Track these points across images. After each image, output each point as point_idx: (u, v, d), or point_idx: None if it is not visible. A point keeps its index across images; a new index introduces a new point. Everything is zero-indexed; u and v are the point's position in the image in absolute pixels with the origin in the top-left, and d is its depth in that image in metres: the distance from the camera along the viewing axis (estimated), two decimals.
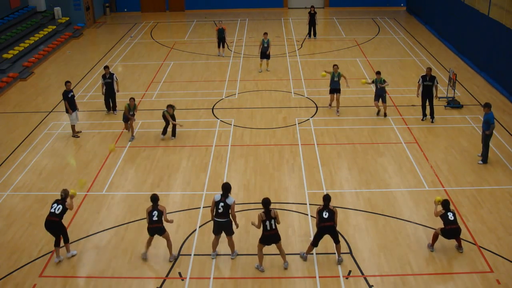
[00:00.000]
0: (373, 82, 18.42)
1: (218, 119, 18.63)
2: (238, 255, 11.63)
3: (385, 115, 18.40)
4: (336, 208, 11.15)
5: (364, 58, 25.14)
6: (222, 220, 11.09)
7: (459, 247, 11.65)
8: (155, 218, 11.20)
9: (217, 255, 11.61)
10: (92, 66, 25.10)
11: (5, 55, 24.53)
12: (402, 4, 36.52)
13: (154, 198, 11.31)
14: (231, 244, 11.48)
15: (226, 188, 11.07)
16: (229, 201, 11.01)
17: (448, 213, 11.28)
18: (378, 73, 18.26)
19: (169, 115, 16.91)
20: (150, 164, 15.65)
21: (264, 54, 23.11)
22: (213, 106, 19.73)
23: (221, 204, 11.00)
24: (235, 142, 16.90)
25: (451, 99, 19.40)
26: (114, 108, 19.21)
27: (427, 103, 17.82)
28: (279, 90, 21.32)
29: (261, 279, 10.96)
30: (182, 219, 12.95)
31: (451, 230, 11.24)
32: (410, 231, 12.34)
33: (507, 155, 15.77)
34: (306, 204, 13.47)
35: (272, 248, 11.76)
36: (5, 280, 11.07)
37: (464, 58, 24.57)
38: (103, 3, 36.33)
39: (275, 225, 10.84)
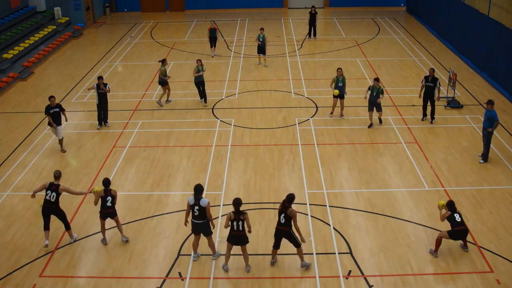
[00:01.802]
0: (368, 88, 17.29)
1: (218, 119, 18.63)
2: (221, 255, 11.57)
3: (380, 121, 17.74)
4: (295, 212, 10.71)
5: (364, 58, 25.14)
6: (199, 221, 11.06)
7: (464, 246, 11.64)
8: (109, 204, 11.70)
9: (201, 255, 11.61)
10: (92, 66, 25.10)
11: (5, 55, 24.53)
12: (402, 4, 36.52)
13: (107, 183, 11.72)
14: (211, 245, 11.43)
15: (198, 191, 10.93)
16: (203, 203, 10.90)
17: (455, 215, 11.24)
18: (376, 80, 17.11)
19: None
20: (150, 164, 15.65)
21: (259, 49, 23.78)
22: (213, 106, 19.73)
23: (196, 207, 10.93)
24: (235, 142, 16.90)
25: (451, 99, 19.40)
26: (105, 120, 18.20)
27: (428, 104, 17.79)
28: (279, 90, 21.33)
29: (261, 279, 10.96)
30: (182, 219, 12.91)
31: (459, 231, 11.20)
32: (410, 231, 12.35)
33: (507, 155, 15.78)
34: (306, 204, 13.47)
35: (271, 248, 11.78)
36: (5, 280, 11.07)
37: (464, 58, 24.57)
38: (103, 3, 36.33)
39: (243, 227, 10.77)
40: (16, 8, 29.53)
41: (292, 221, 10.73)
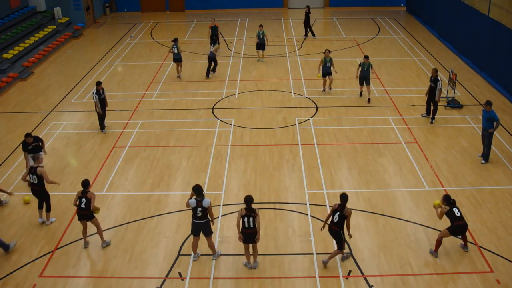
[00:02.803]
0: (359, 65, 19.52)
1: (218, 119, 18.63)
2: (221, 255, 11.65)
3: (369, 100, 19.65)
4: (351, 211, 10.88)
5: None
6: (201, 221, 11.06)
7: (465, 246, 11.63)
8: (82, 206, 11.56)
9: (201, 255, 11.63)
10: (92, 66, 25.10)
11: (5, 55, 24.52)
12: (402, 4, 36.51)
13: (85, 184, 11.63)
14: (211, 245, 11.43)
15: (198, 191, 10.92)
16: (205, 203, 10.93)
17: (454, 209, 11.15)
18: (366, 57, 19.57)
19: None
20: (150, 164, 15.65)
21: (259, 45, 24.45)
22: (213, 106, 19.73)
23: (199, 209, 10.93)
24: (235, 142, 16.90)
25: (451, 99, 19.40)
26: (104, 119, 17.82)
27: (432, 103, 17.90)
28: (279, 90, 21.33)
29: (261, 279, 10.96)
30: (182, 219, 12.95)
31: (459, 226, 11.16)
32: (410, 231, 12.35)
33: (507, 155, 15.78)
34: (306, 204, 13.47)
35: (271, 248, 11.79)
36: (5, 280, 11.07)
37: (464, 58, 24.57)
38: (103, 3, 36.33)
39: (254, 224, 10.76)
40: (16, 8, 29.55)
41: (346, 220, 10.83)
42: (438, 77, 17.70)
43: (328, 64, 20.07)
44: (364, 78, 19.53)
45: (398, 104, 19.54)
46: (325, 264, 11.16)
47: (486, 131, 15.02)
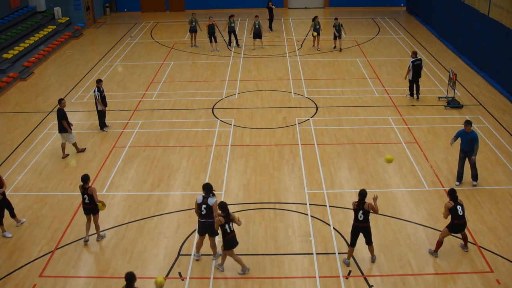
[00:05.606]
0: (333, 26, 25.62)
1: (218, 119, 18.63)
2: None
3: (340, 50, 25.76)
4: (372, 204, 10.91)
5: (364, 58, 25.14)
6: (207, 221, 11.06)
7: (465, 246, 11.63)
8: (86, 201, 11.87)
9: (202, 255, 11.60)
10: (92, 66, 25.10)
11: (5, 55, 24.52)
12: (402, 4, 36.50)
13: (84, 179, 11.79)
14: (213, 245, 11.43)
15: (206, 189, 11.02)
16: (210, 202, 10.97)
17: (458, 207, 11.09)
18: (336, 19, 25.67)
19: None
20: (150, 164, 15.65)
21: (257, 35, 26.51)
22: (213, 106, 19.73)
23: (204, 206, 10.98)
24: (235, 142, 16.90)
25: (451, 99, 19.41)
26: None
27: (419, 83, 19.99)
28: (279, 90, 21.33)
29: (261, 279, 10.96)
30: (182, 219, 12.95)
31: (459, 224, 11.17)
32: (410, 231, 12.35)
33: (507, 155, 15.77)
34: (306, 204, 13.47)
35: (271, 248, 11.79)
36: (5, 280, 11.07)
37: (464, 58, 24.56)
38: (103, 3, 36.32)
39: (233, 228, 10.75)
40: (16, 8, 29.52)
41: (373, 211, 10.89)
42: (413, 58, 19.50)
43: (318, 26, 25.68)
44: (337, 34, 25.52)
45: (398, 104, 19.54)
46: (347, 264, 11.20)
47: (467, 153, 13.82)
